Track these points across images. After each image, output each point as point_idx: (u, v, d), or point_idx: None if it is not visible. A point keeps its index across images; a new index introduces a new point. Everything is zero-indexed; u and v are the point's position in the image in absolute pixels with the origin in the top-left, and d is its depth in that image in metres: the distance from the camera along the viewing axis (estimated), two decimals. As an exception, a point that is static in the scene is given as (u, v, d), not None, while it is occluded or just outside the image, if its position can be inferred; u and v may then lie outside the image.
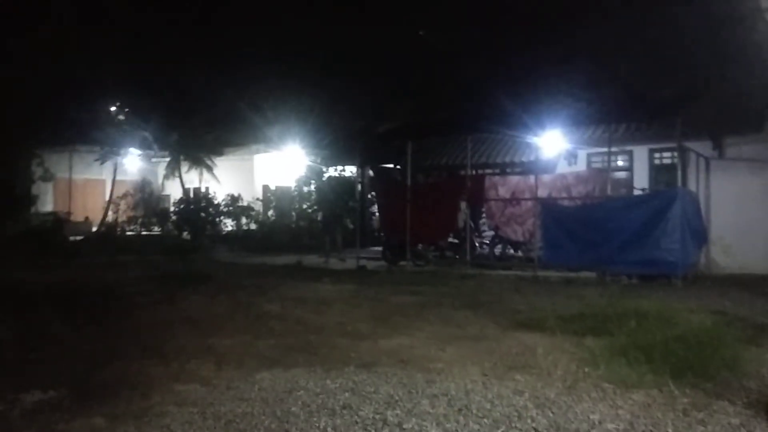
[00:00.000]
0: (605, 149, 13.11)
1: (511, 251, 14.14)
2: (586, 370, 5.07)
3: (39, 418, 4.05)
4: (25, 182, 20.02)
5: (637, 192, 13.48)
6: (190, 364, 5.31)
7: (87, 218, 23.86)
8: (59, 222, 19.96)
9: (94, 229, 22.92)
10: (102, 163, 24.08)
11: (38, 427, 3.91)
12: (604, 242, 11.23)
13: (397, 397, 4.42)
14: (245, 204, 21.86)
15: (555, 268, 12.07)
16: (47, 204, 23.68)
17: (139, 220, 22.78)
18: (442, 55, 21.82)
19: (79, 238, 20.31)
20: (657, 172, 14.82)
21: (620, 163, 15.52)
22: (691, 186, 12.84)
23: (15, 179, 18.99)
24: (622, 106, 13.49)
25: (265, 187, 23.72)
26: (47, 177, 22.02)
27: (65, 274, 11.65)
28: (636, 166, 15.14)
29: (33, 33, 9.11)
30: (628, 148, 15.10)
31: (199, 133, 24.20)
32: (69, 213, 22.19)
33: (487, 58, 21.25)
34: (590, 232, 11.46)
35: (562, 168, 15.57)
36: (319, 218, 19.54)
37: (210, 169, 24.70)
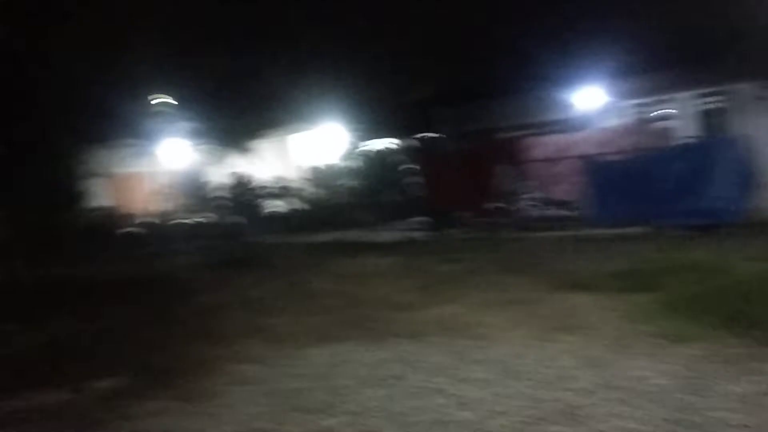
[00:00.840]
0: (649, 98, 12.69)
1: (558, 211, 13.94)
2: (637, 327, 5.05)
3: (111, 403, 4.32)
4: (76, 179, 20.76)
5: (685, 140, 13.04)
6: (244, 344, 5.53)
7: (138, 210, 24.65)
8: (113, 216, 20.71)
9: (146, 219, 23.68)
10: (147, 156, 24.72)
11: (112, 411, 4.17)
12: (652, 195, 10.95)
13: (445, 365, 4.51)
14: (290, 184, 22.17)
15: (603, 225, 11.83)
16: (98, 199, 24.53)
17: (189, 208, 23.39)
18: (473, 15, 21.36)
19: (130, 229, 21.06)
20: (705, 117, 14.24)
21: (664, 112, 14.98)
22: (742, 130, 12.32)
23: (67, 176, 19.71)
24: (665, 51, 12.99)
25: (309, 166, 23.93)
26: (98, 173, 22.77)
27: (121, 266, 12.15)
28: (683, 113, 14.60)
29: (75, 30, 9.38)
30: (673, 95, 14.54)
31: (240, 118, 24.49)
32: (119, 206, 22.97)
33: (520, 13, 20.66)
34: (638, 186, 11.20)
35: (604, 122, 15.16)
36: (364, 193, 19.66)
37: (253, 152, 25.02)
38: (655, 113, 13.70)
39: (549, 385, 3.95)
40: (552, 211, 13.90)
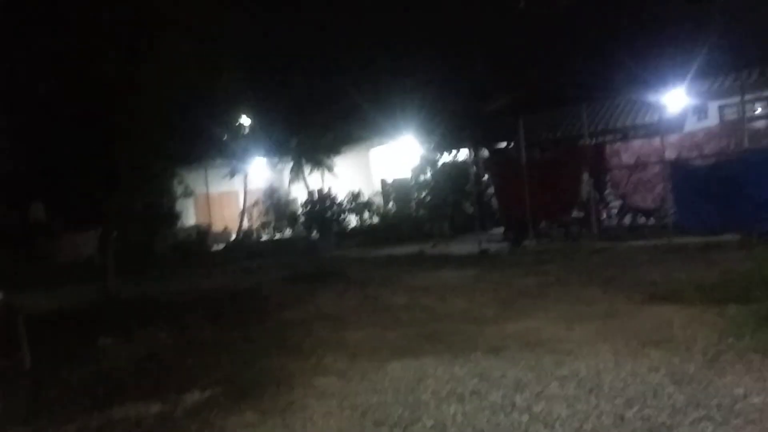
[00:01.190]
0: (739, 98, 12.02)
1: (642, 220, 13.40)
2: (729, 341, 4.78)
3: (199, 416, 4.53)
4: (169, 200, 21.91)
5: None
6: (326, 358, 5.65)
7: (225, 228, 25.70)
8: (201, 234, 21.75)
9: (233, 237, 24.64)
10: (233, 176, 25.73)
11: (200, 423, 4.37)
12: (745, 200, 10.36)
13: (525, 381, 4.43)
14: (366, 199, 22.50)
15: (692, 233, 11.25)
16: (189, 218, 25.77)
17: (271, 225, 24.17)
18: (546, 21, 20.98)
19: (220, 247, 22.00)
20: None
21: (758, 111, 14.13)
22: None
23: (161, 198, 20.84)
24: (756, 49, 12.27)
25: (383, 181, 24.18)
26: (188, 193, 23.94)
27: (209, 282, 12.70)
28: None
29: (167, 55, 9.96)
30: (766, 93, 13.71)
31: (317, 135, 25.12)
32: (209, 225, 24.04)
33: (595, 17, 20.09)
34: (729, 191, 10.61)
35: (691, 125, 14.47)
36: (438, 205, 19.63)
37: (330, 168, 25.57)
38: (747, 113, 12.93)
39: (636, 403, 3.79)
40: (637, 220, 13.38)
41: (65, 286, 12.99)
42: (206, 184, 27.15)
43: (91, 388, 5.43)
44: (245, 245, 21.74)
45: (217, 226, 25.47)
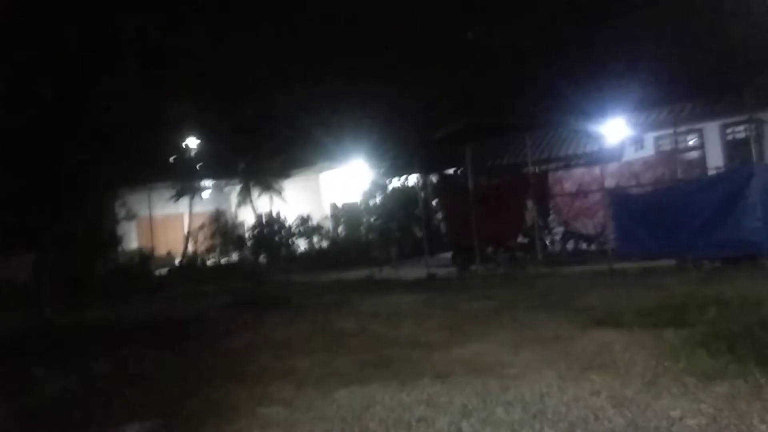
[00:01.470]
0: (672, 130, 12.63)
1: (584, 246, 13.82)
2: (666, 364, 4.95)
3: (139, 448, 4.36)
4: (110, 223, 21.24)
5: (711, 172, 12.90)
6: (271, 387, 5.54)
7: (169, 252, 25.07)
8: (144, 258, 21.12)
9: (177, 261, 24.04)
10: (178, 199, 25.22)
11: (139, 457, 4.21)
12: (680, 227, 10.80)
13: (471, 407, 4.46)
14: (315, 223, 22.40)
15: (631, 258, 11.69)
16: (131, 242, 25.03)
17: (217, 249, 23.71)
18: (492, 53, 21.65)
19: (163, 271, 21.40)
20: (731, 148, 14.12)
21: (690, 143, 14.89)
22: (770, 158, 12.18)
23: (102, 221, 20.18)
24: (690, 82, 12.97)
25: (333, 205, 24.20)
26: (130, 216, 23.30)
27: (152, 308, 12.32)
28: (708, 144, 14.49)
29: (107, 80, 9.76)
30: (698, 126, 14.48)
31: (267, 159, 24.95)
32: (152, 249, 23.41)
33: (539, 50, 20.88)
34: (665, 218, 11.06)
35: (629, 155, 15.09)
36: (388, 230, 19.75)
37: (279, 192, 25.40)
38: (681, 144, 13.61)
39: (579, 427, 3.88)
40: (579, 246, 13.78)
41: (-3, 312, 12.36)
42: (149, 207, 26.50)
43: (20, 421, 5.16)
44: (190, 270, 21.22)
45: (161, 250, 24.81)
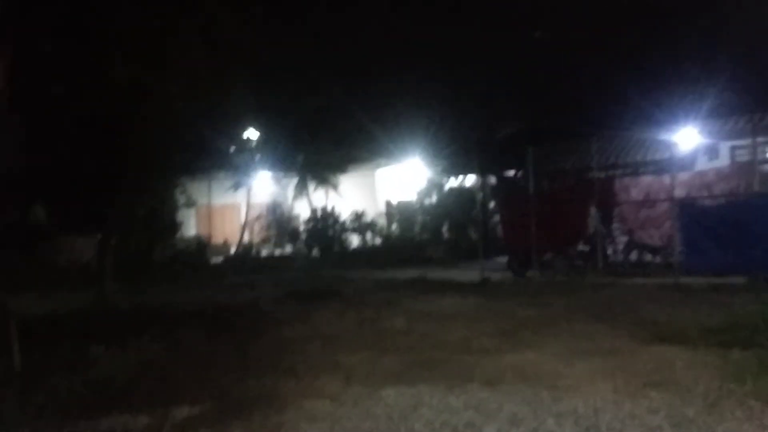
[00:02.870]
0: (750, 140, 11.96)
1: (648, 257, 13.26)
2: (731, 386, 4.66)
3: (187, 431, 4.41)
4: (170, 209, 21.87)
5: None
6: (319, 380, 5.53)
7: (226, 241, 25.61)
8: (201, 246, 21.66)
9: (233, 250, 24.54)
10: (236, 189, 25.72)
11: (185, 439, 4.25)
12: (754, 243, 10.24)
13: (521, 415, 4.31)
14: (369, 220, 22.41)
15: (698, 273, 11.12)
16: (190, 229, 25.71)
17: (272, 240, 24.06)
18: (561, 54, 21.10)
19: (219, 259, 21.90)
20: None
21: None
22: None
23: (163, 207, 20.79)
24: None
25: (388, 202, 24.17)
26: (189, 203, 23.93)
27: (208, 295, 12.57)
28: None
29: (175, 68, 9.98)
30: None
31: (324, 153, 25.12)
32: (209, 237, 23.97)
33: (612, 52, 20.19)
34: (737, 233, 10.51)
35: (702, 164, 14.39)
36: (442, 230, 19.58)
37: (335, 186, 25.52)
38: (759, 155, 12.88)
39: (635, 447, 3.67)
40: (643, 257, 13.24)
41: (61, 290, 12.89)
42: (209, 196, 27.13)
43: (79, 397, 5.31)
44: (245, 259, 21.62)
45: (218, 239, 25.38)
